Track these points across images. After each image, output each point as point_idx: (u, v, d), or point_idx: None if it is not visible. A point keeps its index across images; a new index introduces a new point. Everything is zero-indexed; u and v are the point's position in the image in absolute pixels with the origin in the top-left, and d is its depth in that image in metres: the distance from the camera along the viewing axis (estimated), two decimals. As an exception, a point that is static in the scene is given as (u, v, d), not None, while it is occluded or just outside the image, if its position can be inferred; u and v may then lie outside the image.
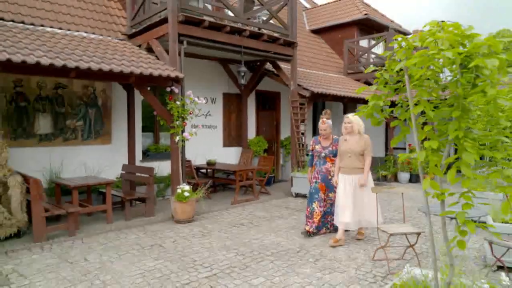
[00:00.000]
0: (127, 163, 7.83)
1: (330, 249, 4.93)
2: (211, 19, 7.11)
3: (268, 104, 11.55)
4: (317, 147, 5.59)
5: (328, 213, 5.58)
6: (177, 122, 6.50)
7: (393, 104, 2.48)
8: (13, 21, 6.58)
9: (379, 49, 14.15)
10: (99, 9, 8.23)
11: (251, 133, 10.73)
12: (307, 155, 5.61)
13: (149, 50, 7.46)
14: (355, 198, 5.01)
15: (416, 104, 2.12)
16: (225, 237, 5.53)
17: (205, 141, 9.40)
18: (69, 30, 7.22)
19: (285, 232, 5.75)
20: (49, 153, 7.13)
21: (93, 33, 7.53)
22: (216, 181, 9.31)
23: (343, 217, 5.02)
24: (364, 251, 4.88)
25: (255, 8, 8.39)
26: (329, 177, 5.53)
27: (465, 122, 1.87)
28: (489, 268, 3.99)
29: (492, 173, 1.85)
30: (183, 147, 6.84)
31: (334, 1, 16.58)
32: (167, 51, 6.88)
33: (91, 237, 5.51)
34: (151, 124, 8.96)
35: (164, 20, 6.72)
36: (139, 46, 7.58)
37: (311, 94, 8.88)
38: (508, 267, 4.00)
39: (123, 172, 7.50)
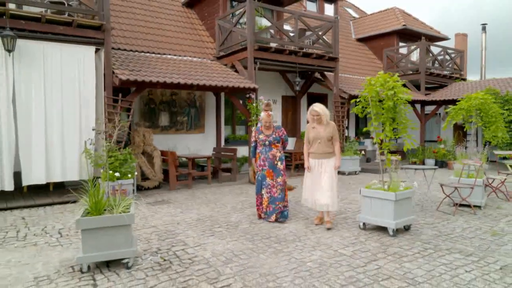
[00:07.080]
0: (215, 146, 11.17)
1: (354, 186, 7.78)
2: (275, 45, 10.20)
3: (317, 104, 14.42)
4: (261, 136, 5.91)
5: (279, 199, 5.78)
6: (253, 118, 9.67)
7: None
8: (148, 52, 10.18)
9: (417, 54, 16.39)
10: (196, 38, 11.69)
11: (303, 126, 13.70)
12: (260, 144, 5.96)
13: (232, 67, 10.73)
14: (320, 179, 5.37)
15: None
16: (286, 191, 8.58)
17: (268, 132, 12.49)
18: (180, 55, 10.72)
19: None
20: (166, 139, 10.67)
21: (195, 57, 10.97)
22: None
23: (317, 196, 5.36)
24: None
25: (307, 33, 11.35)
26: (275, 162, 5.85)
27: (388, 114, 4.73)
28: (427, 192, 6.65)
29: (399, 134, 4.73)
30: (256, 134, 10.00)
31: (377, 12, 18.97)
32: (245, 68, 10.07)
33: (201, 190, 8.84)
34: (230, 119, 12.28)
35: (244, 48, 9.91)
36: (225, 65, 10.88)
37: (349, 96, 11.66)
38: (456, 203, 6.60)
39: (214, 152, 10.83)
